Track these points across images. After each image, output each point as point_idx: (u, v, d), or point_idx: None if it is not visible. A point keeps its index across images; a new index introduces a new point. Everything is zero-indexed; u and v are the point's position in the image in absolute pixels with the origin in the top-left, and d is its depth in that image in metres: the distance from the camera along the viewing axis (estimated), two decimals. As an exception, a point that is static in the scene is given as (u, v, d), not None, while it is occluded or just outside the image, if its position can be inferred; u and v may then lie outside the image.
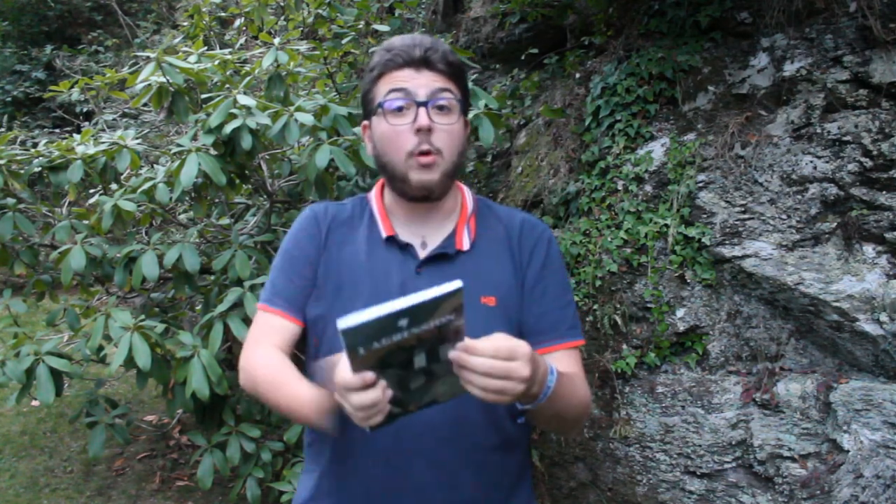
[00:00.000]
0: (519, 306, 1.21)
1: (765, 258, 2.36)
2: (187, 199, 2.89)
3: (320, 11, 3.16)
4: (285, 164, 2.83)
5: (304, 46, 3.21)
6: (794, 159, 2.38)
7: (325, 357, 1.15)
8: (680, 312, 2.53)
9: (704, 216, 2.51)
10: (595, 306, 2.69)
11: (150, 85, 2.61)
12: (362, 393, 0.89)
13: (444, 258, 1.20)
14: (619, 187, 2.77)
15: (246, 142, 2.39)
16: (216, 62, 2.84)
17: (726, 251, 2.43)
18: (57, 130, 5.85)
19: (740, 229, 2.42)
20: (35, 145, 2.95)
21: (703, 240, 2.48)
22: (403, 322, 0.84)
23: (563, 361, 1.17)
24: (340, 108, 2.54)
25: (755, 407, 2.33)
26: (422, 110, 1.14)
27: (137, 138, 2.91)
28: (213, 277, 2.79)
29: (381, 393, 0.89)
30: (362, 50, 3.33)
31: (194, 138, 2.60)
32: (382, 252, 1.22)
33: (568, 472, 2.76)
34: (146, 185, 2.57)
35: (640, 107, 2.81)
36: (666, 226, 2.58)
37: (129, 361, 2.31)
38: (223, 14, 4.17)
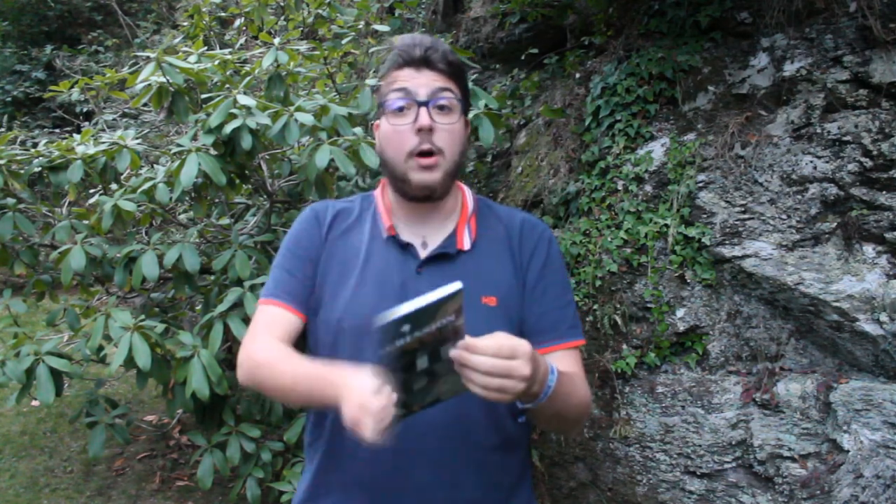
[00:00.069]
0: (519, 306, 1.20)
1: (765, 258, 2.36)
2: (187, 199, 2.88)
3: (320, 11, 3.17)
4: (285, 164, 2.83)
5: (304, 46, 3.21)
6: (794, 159, 2.38)
7: (322, 356, 1.15)
8: (680, 312, 2.53)
9: (704, 216, 2.51)
10: (595, 306, 2.69)
11: (150, 85, 2.61)
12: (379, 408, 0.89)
13: (444, 258, 1.20)
14: (619, 187, 2.77)
15: (246, 142, 2.40)
16: (216, 62, 2.84)
17: (726, 251, 2.43)
18: (57, 130, 5.85)
19: (740, 229, 2.42)
20: (35, 145, 2.94)
21: (703, 240, 2.48)
22: (406, 327, 0.85)
23: (564, 361, 1.17)
24: (340, 108, 2.55)
25: (755, 407, 2.33)
26: (423, 110, 1.14)
27: (137, 138, 2.91)
28: (213, 277, 2.79)
29: (387, 400, 0.89)
30: (362, 50, 3.33)
31: (194, 138, 2.60)
32: (383, 251, 1.22)
33: (568, 472, 2.76)
34: (146, 185, 2.57)
35: (640, 107, 2.81)
36: (666, 226, 2.58)
37: (129, 361, 2.31)
38: (223, 14, 4.17)
